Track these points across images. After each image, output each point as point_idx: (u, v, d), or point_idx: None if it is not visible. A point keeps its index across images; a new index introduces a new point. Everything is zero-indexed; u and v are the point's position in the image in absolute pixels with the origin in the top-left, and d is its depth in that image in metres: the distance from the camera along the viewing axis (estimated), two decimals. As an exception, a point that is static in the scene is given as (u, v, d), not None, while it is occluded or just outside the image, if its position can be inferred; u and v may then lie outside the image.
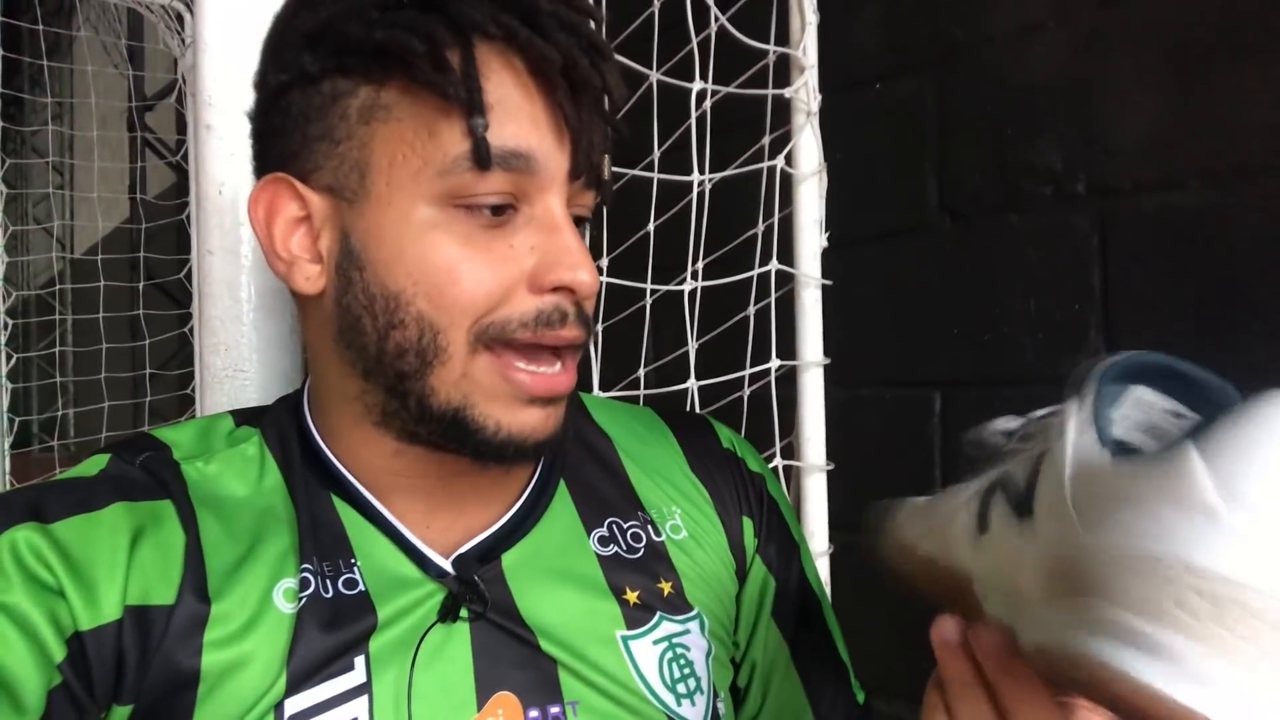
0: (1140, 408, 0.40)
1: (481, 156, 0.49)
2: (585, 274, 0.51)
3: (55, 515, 0.49)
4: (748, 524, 0.65)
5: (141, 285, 2.76)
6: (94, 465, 0.54)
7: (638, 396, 1.21)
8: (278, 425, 0.59)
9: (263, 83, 0.55)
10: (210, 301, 0.79)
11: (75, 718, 0.47)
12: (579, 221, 0.55)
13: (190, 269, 2.51)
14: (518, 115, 0.50)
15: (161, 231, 2.80)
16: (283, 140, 0.53)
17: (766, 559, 0.66)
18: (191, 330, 2.52)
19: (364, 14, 0.50)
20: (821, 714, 0.66)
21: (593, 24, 0.53)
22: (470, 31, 0.49)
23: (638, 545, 0.60)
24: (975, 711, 0.43)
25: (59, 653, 0.46)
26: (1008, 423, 0.46)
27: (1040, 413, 0.45)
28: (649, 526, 0.61)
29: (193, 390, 2.54)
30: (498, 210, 0.51)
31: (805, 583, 0.68)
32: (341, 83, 0.51)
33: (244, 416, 0.61)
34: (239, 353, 0.79)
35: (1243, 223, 0.98)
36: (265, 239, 0.54)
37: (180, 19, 2.18)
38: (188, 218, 2.45)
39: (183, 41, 2.19)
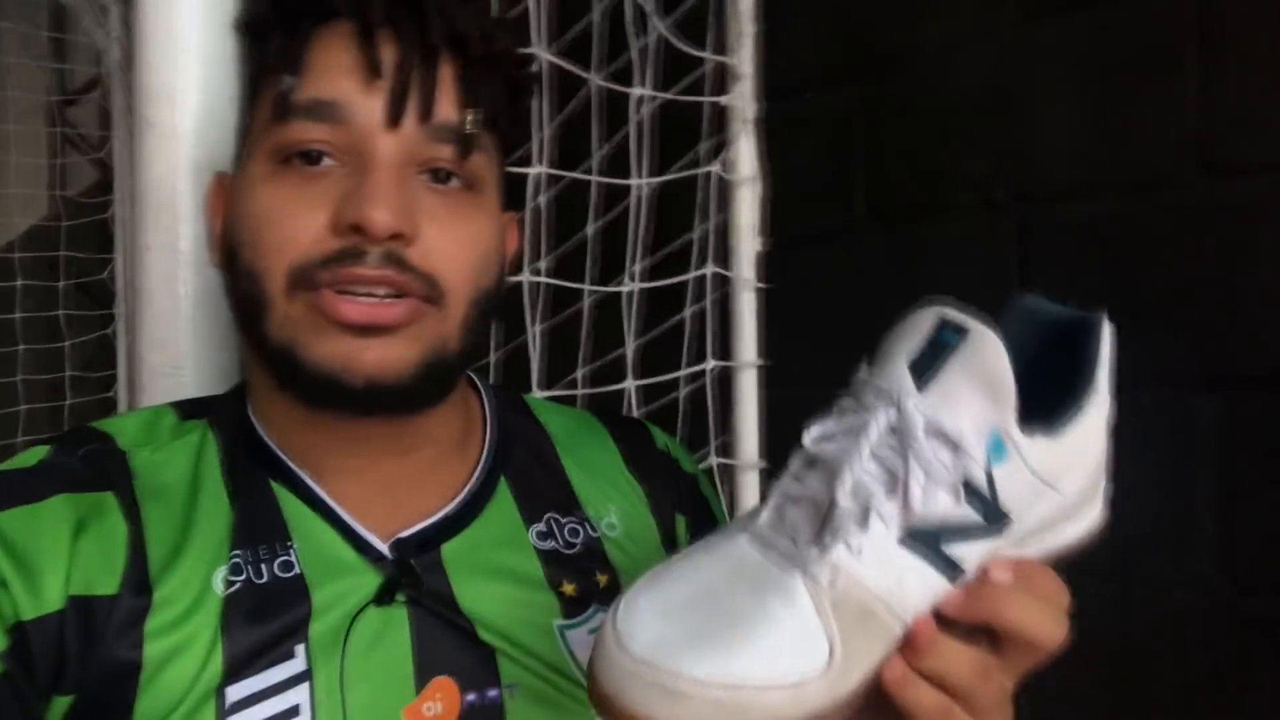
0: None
1: (282, 108, 0.53)
2: (377, 212, 0.51)
3: None
4: (681, 521, 0.67)
5: (62, 285, 2.67)
6: (33, 456, 0.54)
7: (576, 396, 1.22)
8: (224, 412, 0.60)
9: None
10: (147, 298, 0.78)
11: (16, 708, 0.46)
12: (446, 178, 0.55)
13: (113, 268, 2.44)
14: (331, 70, 0.54)
15: (83, 229, 2.71)
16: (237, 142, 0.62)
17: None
18: (114, 332, 2.45)
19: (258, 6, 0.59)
20: None
21: None
22: (310, 10, 0.55)
23: (575, 541, 0.61)
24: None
25: (2, 642, 0.46)
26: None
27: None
28: (586, 524, 0.63)
29: (114, 393, 2.47)
30: (310, 158, 0.53)
31: None
32: (254, 76, 0.59)
33: (188, 408, 0.61)
34: (177, 349, 0.78)
35: (1148, 231, 1.04)
36: (209, 229, 0.61)
37: (105, 10, 2.12)
38: (112, 216, 2.38)
39: (108, 34, 2.13)
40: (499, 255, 0.59)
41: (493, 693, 0.54)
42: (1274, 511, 0.96)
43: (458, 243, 0.55)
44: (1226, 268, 0.99)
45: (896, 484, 0.39)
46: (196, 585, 0.51)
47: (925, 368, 0.41)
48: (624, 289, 1.11)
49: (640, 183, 1.10)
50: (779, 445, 1.17)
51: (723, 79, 1.12)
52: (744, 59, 1.11)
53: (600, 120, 1.07)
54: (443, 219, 0.54)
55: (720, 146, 1.13)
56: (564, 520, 0.62)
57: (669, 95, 1.09)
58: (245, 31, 0.60)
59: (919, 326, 0.42)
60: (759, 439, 1.16)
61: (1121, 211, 1.06)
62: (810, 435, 0.42)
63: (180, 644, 0.49)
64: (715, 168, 1.12)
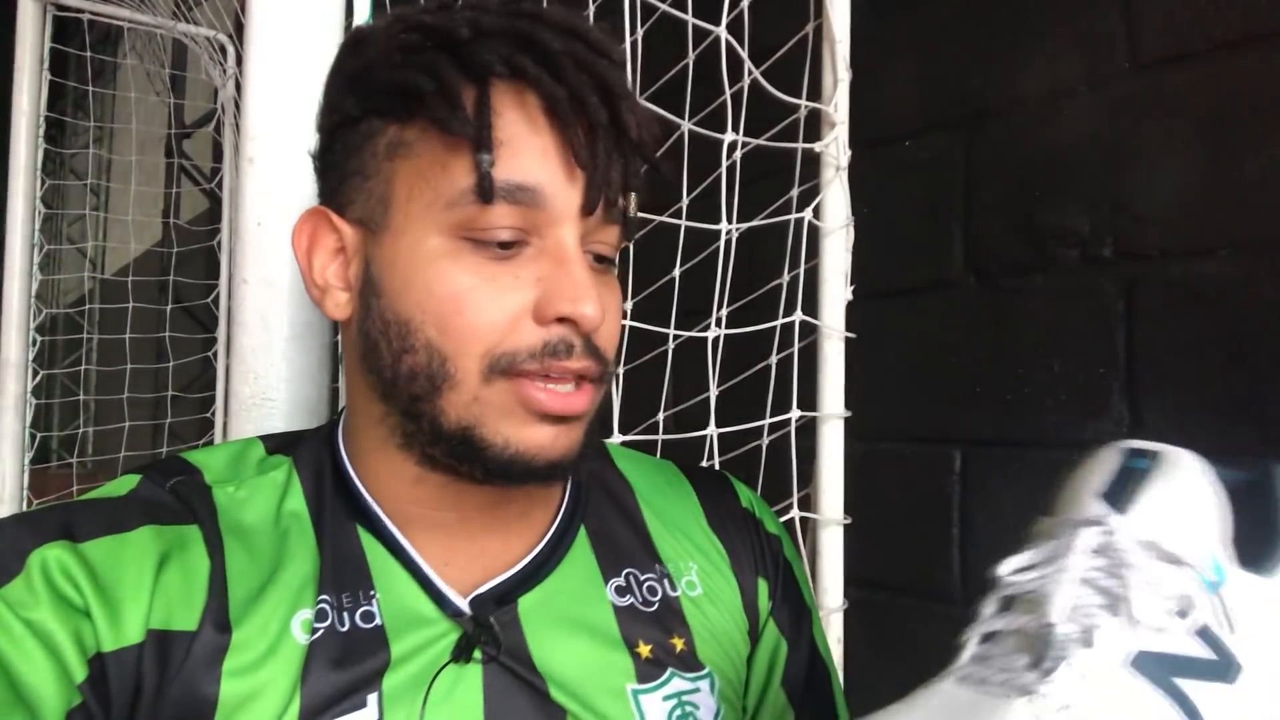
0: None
1: (485, 190, 0.50)
2: (589, 307, 0.52)
3: (86, 535, 0.50)
4: (763, 585, 0.65)
5: (169, 308, 2.80)
6: (124, 485, 0.55)
7: (657, 442, 1.21)
8: (310, 452, 0.60)
9: (321, 125, 0.58)
10: (243, 330, 0.80)
11: None
12: (602, 259, 0.56)
13: (217, 294, 2.54)
14: (526, 151, 0.51)
15: (192, 256, 2.84)
16: (330, 177, 0.57)
17: (780, 622, 0.66)
18: (215, 355, 2.55)
19: (392, 57, 0.53)
20: None
21: (611, 62, 0.54)
22: (484, 71, 0.51)
23: (653, 599, 0.60)
24: None
25: (80, 673, 0.47)
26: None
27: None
28: (665, 580, 0.61)
29: (212, 414, 2.57)
30: (505, 245, 0.52)
31: (815, 649, 0.68)
32: (375, 122, 0.54)
33: (275, 443, 0.61)
34: (268, 381, 0.80)
35: (1268, 293, 0.98)
36: (305, 267, 0.57)
37: (223, 50, 2.23)
38: (218, 244, 2.49)
39: (224, 72, 2.24)
40: None
41: None
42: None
43: (617, 323, 0.58)
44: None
45: (1118, 602, 0.35)
46: (276, 628, 0.51)
47: (1118, 495, 0.38)
48: (709, 334, 1.10)
49: (729, 227, 1.09)
50: (862, 500, 1.13)
51: (815, 125, 1.11)
52: (838, 106, 1.10)
53: (690, 164, 1.07)
54: (608, 302, 0.55)
55: (813, 193, 1.11)
56: (643, 577, 0.61)
57: (760, 141, 1.08)
58: (397, 84, 0.52)
59: (1103, 462, 0.40)
60: (843, 493, 1.12)
61: (1237, 271, 1.00)
62: (1004, 569, 0.39)
63: (257, 688, 0.49)
64: (806, 214, 1.10)
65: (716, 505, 0.67)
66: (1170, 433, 1.05)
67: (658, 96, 1.02)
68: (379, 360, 0.54)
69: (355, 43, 0.57)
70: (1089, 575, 0.36)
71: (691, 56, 1.07)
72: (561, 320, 0.52)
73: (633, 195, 0.55)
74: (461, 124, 0.50)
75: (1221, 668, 0.35)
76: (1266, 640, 0.36)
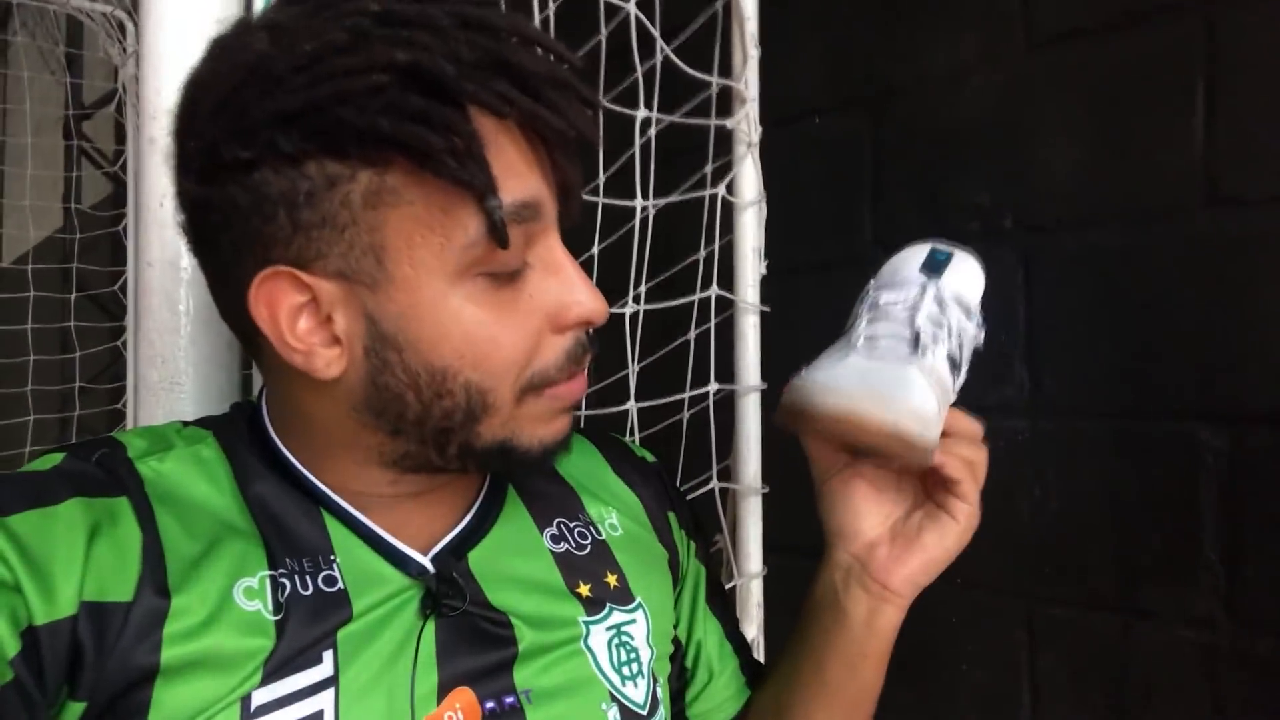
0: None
1: (500, 237, 0.50)
2: (596, 303, 0.55)
3: (10, 509, 0.49)
4: (673, 518, 0.71)
5: (74, 296, 2.70)
6: (49, 461, 0.54)
7: (579, 418, 1.22)
8: (233, 432, 0.59)
9: (207, 152, 0.51)
10: (147, 314, 0.79)
11: (25, 713, 0.46)
12: None
13: (124, 281, 2.46)
14: (519, 173, 0.52)
15: (96, 242, 2.74)
16: (256, 222, 0.51)
17: (696, 550, 0.73)
18: (124, 344, 2.46)
19: (357, 100, 0.48)
20: (750, 685, 0.73)
21: (573, 66, 0.54)
22: (469, 105, 0.49)
23: (585, 543, 0.64)
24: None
25: (13, 647, 0.46)
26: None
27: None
28: (591, 526, 0.66)
29: (124, 405, 2.49)
30: (516, 271, 0.53)
31: (714, 565, 0.76)
32: (333, 166, 0.49)
33: (192, 425, 0.61)
34: (176, 366, 0.78)
35: (1155, 261, 1.03)
36: (275, 335, 0.52)
37: (122, 27, 2.15)
38: (124, 229, 2.40)
39: (123, 50, 2.16)
40: None
41: (509, 699, 0.56)
42: (1279, 550, 0.95)
43: None
44: (1233, 300, 0.98)
45: (942, 324, 0.65)
46: (216, 595, 0.51)
47: (932, 270, 0.67)
48: (627, 310, 1.11)
49: (645, 204, 1.10)
50: (780, 469, 1.16)
51: (727, 102, 1.12)
52: (748, 82, 1.12)
53: (605, 141, 1.08)
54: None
55: (726, 170, 1.13)
56: (572, 524, 0.65)
57: (673, 118, 1.09)
58: (388, 135, 0.48)
59: (918, 253, 0.69)
60: (760, 463, 1.15)
61: (1127, 242, 1.05)
62: (881, 299, 0.66)
63: (202, 654, 0.49)
64: (720, 191, 1.12)
65: (617, 456, 0.72)
66: (1066, 395, 1.10)
67: (591, 88, 1.01)
68: (401, 407, 0.53)
69: (256, 71, 0.49)
70: (930, 309, 0.65)
71: (604, 33, 1.07)
72: (581, 322, 0.55)
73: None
74: (472, 175, 0.48)
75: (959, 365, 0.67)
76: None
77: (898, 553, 0.65)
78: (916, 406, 0.60)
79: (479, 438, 0.54)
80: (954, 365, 0.66)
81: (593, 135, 0.53)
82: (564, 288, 0.55)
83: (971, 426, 0.65)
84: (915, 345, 0.64)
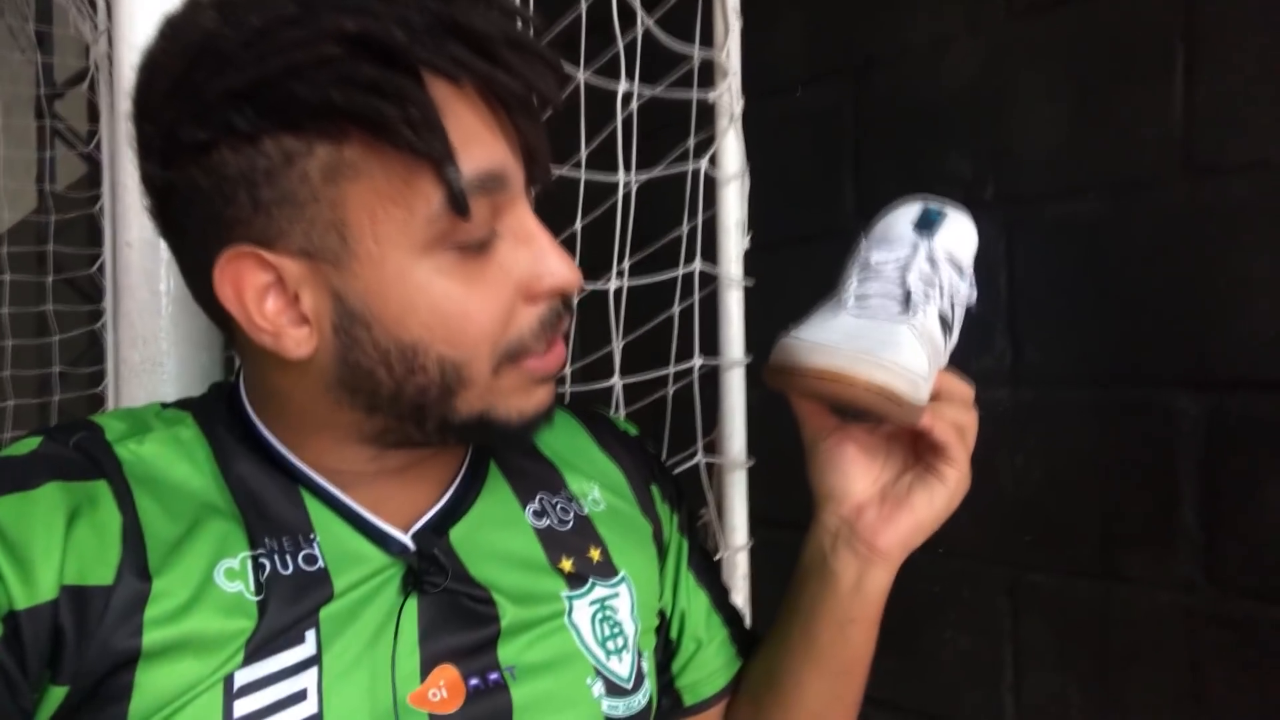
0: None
1: (460, 205, 0.49)
2: (570, 272, 0.55)
3: None
4: (655, 490, 0.71)
5: (50, 280, 2.66)
6: (26, 446, 0.53)
7: (564, 394, 1.22)
8: (212, 413, 0.59)
9: (166, 135, 0.50)
10: (127, 294, 0.78)
11: (7, 697, 0.46)
12: None
13: (102, 264, 2.43)
14: (481, 141, 0.51)
15: (72, 224, 2.70)
16: (217, 203, 0.50)
17: (678, 521, 0.73)
18: (103, 327, 2.44)
19: (308, 72, 0.47)
20: (741, 655, 0.73)
21: (527, 25, 0.53)
22: (425, 73, 0.48)
23: (567, 518, 0.64)
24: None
25: None
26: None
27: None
28: (573, 502, 0.65)
29: (103, 389, 2.46)
30: (484, 241, 0.52)
31: (698, 536, 0.76)
32: (290, 142, 0.48)
33: (170, 408, 0.60)
34: (157, 346, 0.78)
35: (1133, 231, 1.04)
36: (243, 315, 0.52)
37: (93, 3, 2.11)
38: (100, 210, 2.37)
39: (95, 27, 2.12)
40: None
41: (494, 675, 0.56)
42: (1256, 513, 0.96)
43: None
44: (1210, 267, 0.99)
45: (933, 283, 0.64)
46: (197, 577, 0.51)
47: (925, 229, 0.66)
48: (610, 286, 1.11)
49: (627, 179, 1.10)
50: (766, 443, 1.17)
51: (709, 75, 1.12)
52: (730, 54, 1.11)
53: (586, 116, 1.07)
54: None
55: (708, 143, 1.12)
56: (554, 500, 0.65)
57: (655, 91, 1.09)
58: (340, 106, 0.47)
59: (910, 210, 0.68)
60: (745, 437, 1.16)
61: (1106, 211, 1.06)
62: (873, 258, 0.66)
63: (184, 637, 0.49)
64: (702, 164, 1.11)
65: (600, 430, 0.72)
66: (1047, 364, 1.11)
67: (551, 47, 1.01)
68: (374, 384, 0.53)
69: (206, 50, 0.48)
70: (922, 267, 0.64)
71: (584, 5, 1.06)
72: (557, 292, 0.55)
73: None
74: (428, 144, 0.47)
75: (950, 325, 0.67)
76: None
77: (886, 514, 0.64)
78: (907, 365, 0.59)
79: (456, 412, 0.54)
80: (945, 325, 0.65)
81: (554, 95, 0.52)
82: (535, 257, 0.54)
83: (962, 388, 0.64)
84: (906, 304, 0.63)
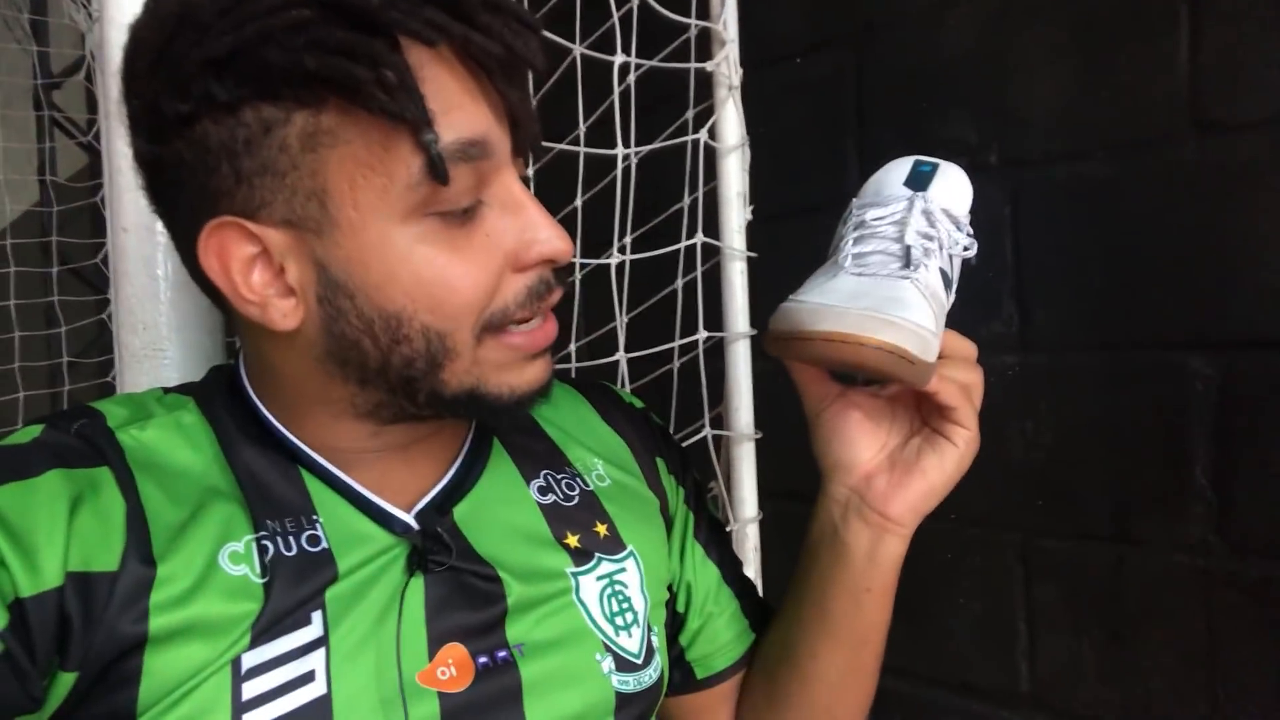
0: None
1: (439, 172, 0.49)
2: (560, 241, 0.54)
3: None
4: (661, 464, 0.71)
5: (55, 270, 2.66)
6: (28, 434, 0.53)
7: (569, 370, 1.21)
8: (211, 395, 0.59)
9: (151, 110, 0.50)
10: (126, 280, 0.78)
11: (16, 686, 0.46)
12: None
13: (106, 253, 2.43)
14: (462, 107, 0.50)
15: (75, 215, 2.70)
16: (201, 176, 0.50)
17: (684, 493, 0.72)
18: (109, 316, 2.44)
19: (281, 38, 0.47)
20: (754, 628, 0.73)
21: None
22: (400, 37, 0.47)
23: (572, 494, 0.64)
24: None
25: (1, 620, 0.46)
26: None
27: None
28: (578, 478, 0.65)
29: (113, 378, 2.46)
30: (469, 209, 0.51)
31: (709, 510, 0.75)
32: (268, 110, 0.48)
33: (171, 392, 0.60)
34: (158, 331, 0.77)
35: (1140, 192, 1.02)
36: (228, 287, 0.52)
37: (87, -8, 2.09)
38: (101, 199, 2.36)
39: (89, 15, 2.11)
40: None
41: (502, 654, 0.56)
42: (1269, 474, 0.96)
43: None
44: (1221, 227, 0.97)
45: (932, 239, 0.63)
46: (202, 561, 0.51)
47: (917, 184, 0.65)
48: (613, 261, 1.10)
49: (627, 152, 1.09)
50: (774, 415, 1.16)
51: (706, 45, 1.10)
52: (727, 24, 1.10)
53: (584, 90, 1.06)
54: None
55: (708, 115, 1.11)
56: (559, 476, 0.64)
57: (652, 62, 1.07)
58: (313, 71, 0.47)
59: (901, 166, 0.67)
60: (753, 409, 1.15)
61: (1113, 172, 1.04)
62: (868, 216, 0.64)
63: (190, 622, 0.49)
64: (702, 135, 1.10)
65: (605, 404, 0.72)
66: (1056, 328, 1.10)
67: (547, 21, 0.99)
68: (361, 356, 0.53)
69: (185, 21, 0.48)
70: (919, 223, 0.63)
71: (578, -22, 1.05)
72: (545, 261, 0.54)
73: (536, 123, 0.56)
74: (403, 107, 0.47)
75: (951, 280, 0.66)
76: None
77: (897, 481, 0.63)
78: (917, 321, 0.57)
79: (445, 385, 0.54)
80: (946, 280, 0.63)
81: (534, 58, 0.51)
82: (524, 225, 0.53)
83: (965, 347, 0.63)
84: (907, 261, 0.61)
